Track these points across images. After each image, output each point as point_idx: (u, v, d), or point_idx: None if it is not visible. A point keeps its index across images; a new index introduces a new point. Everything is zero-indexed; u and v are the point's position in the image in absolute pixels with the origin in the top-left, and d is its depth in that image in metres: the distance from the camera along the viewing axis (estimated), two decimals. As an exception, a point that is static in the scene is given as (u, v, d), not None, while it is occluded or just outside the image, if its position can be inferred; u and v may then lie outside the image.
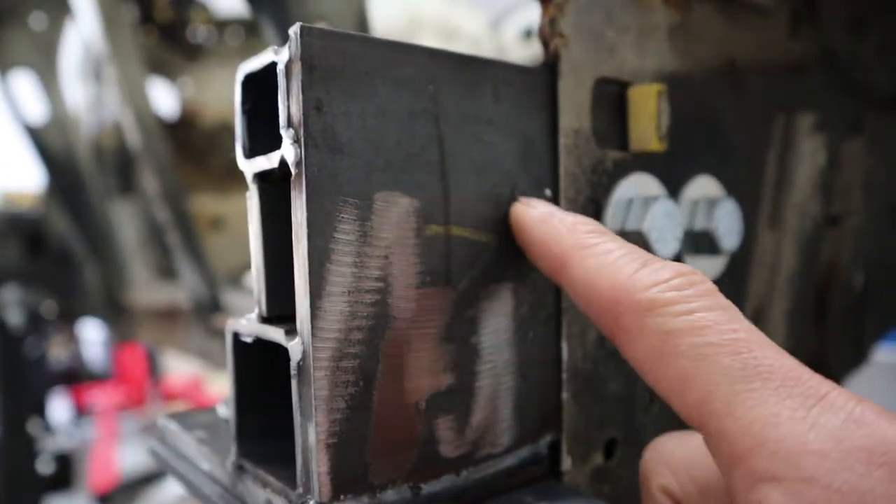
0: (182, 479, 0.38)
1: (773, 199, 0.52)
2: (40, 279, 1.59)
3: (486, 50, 1.65)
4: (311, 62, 0.28)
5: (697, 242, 0.44)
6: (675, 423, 0.29)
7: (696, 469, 0.30)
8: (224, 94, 1.62)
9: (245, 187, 0.33)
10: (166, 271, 1.37)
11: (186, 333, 1.26)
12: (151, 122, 0.99)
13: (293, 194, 0.29)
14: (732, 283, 0.49)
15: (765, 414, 0.23)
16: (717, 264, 0.46)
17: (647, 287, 0.28)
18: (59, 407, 3.85)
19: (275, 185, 0.32)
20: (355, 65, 0.30)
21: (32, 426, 1.73)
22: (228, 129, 1.62)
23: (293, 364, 0.29)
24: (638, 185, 0.41)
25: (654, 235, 0.39)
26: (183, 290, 1.12)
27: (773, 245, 0.52)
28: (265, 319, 0.32)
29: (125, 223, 1.43)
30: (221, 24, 1.65)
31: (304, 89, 0.28)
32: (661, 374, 0.27)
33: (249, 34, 1.62)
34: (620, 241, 0.31)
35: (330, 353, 0.29)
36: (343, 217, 0.29)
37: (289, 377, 0.29)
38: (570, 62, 0.38)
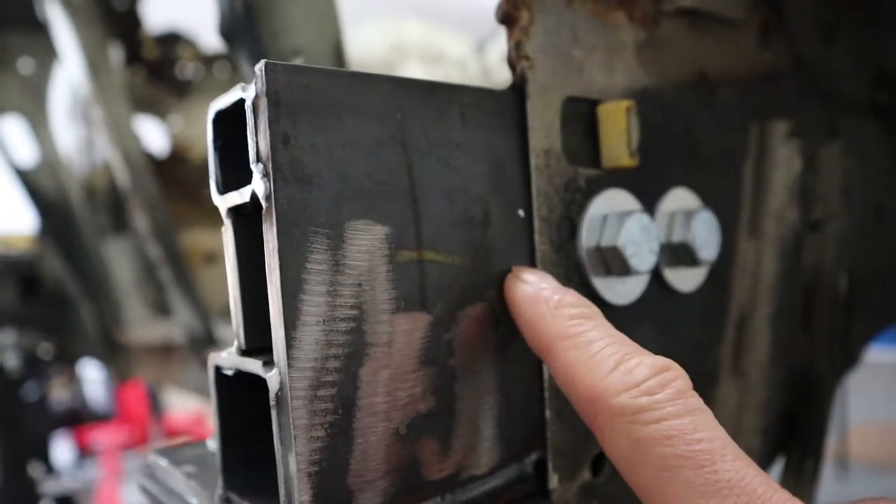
0: (171, 515, 0.38)
1: (752, 208, 0.52)
2: (36, 321, 1.59)
3: (471, 72, 1.66)
4: (277, 97, 0.29)
5: (676, 255, 0.45)
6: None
7: None
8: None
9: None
10: (161, 308, 1.37)
11: (184, 369, 1.26)
12: (140, 160, 1.00)
13: (265, 227, 0.29)
14: (714, 293, 0.49)
15: None
16: (697, 275, 0.47)
17: (619, 392, 0.29)
18: (62, 448, 3.81)
19: (248, 219, 0.32)
20: (321, 98, 0.30)
21: (33, 469, 1.72)
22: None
23: (271, 395, 0.29)
24: (612, 201, 0.42)
25: (630, 250, 0.39)
26: (178, 326, 1.12)
27: (753, 253, 0.52)
28: (244, 352, 0.33)
29: (119, 261, 1.44)
30: (209, 60, 1.67)
31: (271, 124, 0.29)
32: (631, 478, 0.29)
33: (237, 68, 1.64)
34: (604, 329, 0.32)
35: (307, 382, 0.29)
36: (314, 247, 0.29)
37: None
38: (538, 83, 0.38)
